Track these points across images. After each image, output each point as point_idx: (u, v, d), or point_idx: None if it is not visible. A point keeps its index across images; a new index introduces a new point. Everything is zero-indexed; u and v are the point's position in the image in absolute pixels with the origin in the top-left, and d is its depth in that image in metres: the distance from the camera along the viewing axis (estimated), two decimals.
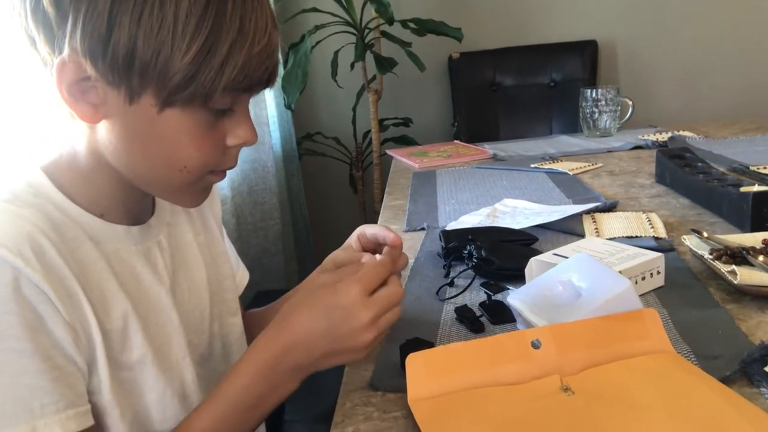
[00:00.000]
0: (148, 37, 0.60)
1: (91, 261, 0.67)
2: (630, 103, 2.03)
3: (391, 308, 0.71)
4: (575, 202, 1.32)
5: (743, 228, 1.07)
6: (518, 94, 2.73)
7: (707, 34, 2.78)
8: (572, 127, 2.45)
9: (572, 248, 0.94)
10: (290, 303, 0.72)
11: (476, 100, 2.75)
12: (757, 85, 2.80)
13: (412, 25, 2.45)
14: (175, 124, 0.65)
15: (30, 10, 0.62)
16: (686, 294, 0.86)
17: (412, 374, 0.67)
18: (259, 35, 0.64)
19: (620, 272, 0.80)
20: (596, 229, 1.13)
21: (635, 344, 0.70)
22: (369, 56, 2.49)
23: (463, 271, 0.99)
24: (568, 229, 1.15)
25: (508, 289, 0.89)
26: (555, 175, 1.60)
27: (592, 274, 0.77)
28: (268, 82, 0.68)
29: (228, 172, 0.74)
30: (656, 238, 1.06)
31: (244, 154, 2.26)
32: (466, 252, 0.99)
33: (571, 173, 1.60)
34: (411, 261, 1.07)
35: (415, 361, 0.67)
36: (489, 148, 1.97)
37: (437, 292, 0.93)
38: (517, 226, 1.14)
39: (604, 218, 1.18)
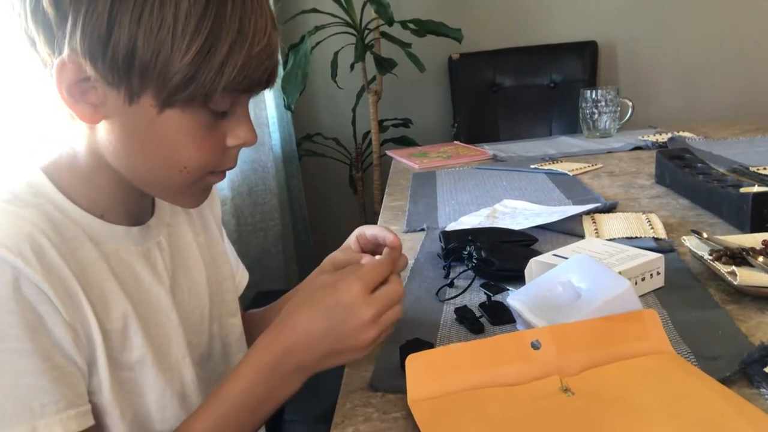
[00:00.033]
0: (147, 37, 0.60)
1: (91, 261, 0.67)
2: (630, 103, 2.03)
3: (393, 306, 0.71)
4: (575, 203, 1.32)
5: (743, 229, 1.07)
6: (518, 94, 2.73)
7: (707, 34, 2.78)
8: (572, 127, 2.45)
9: (572, 249, 0.94)
10: (290, 304, 0.72)
11: (476, 100, 2.75)
12: (757, 85, 2.80)
13: (411, 25, 2.45)
14: (174, 124, 0.65)
15: (30, 11, 0.62)
16: (686, 295, 0.86)
17: (411, 375, 0.67)
18: (258, 36, 0.64)
19: (620, 273, 0.80)
20: (596, 229, 1.13)
21: (635, 345, 0.70)
22: (369, 57, 2.49)
23: (463, 271, 0.99)
24: (568, 230, 1.15)
25: (508, 289, 0.89)
26: (555, 176, 1.60)
27: (592, 275, 0.77)
28: (267, 83, 0.69)
29: (228, 172, 0.74)
30: (656, 239, 1.06)
31: (244, 154, 2.27)
32: (465, 253, 0.99)
33: (570, 174, 1.60)
34: (411, 262, 1.07)
35: (414, 362, 0.67)
36: (489, 149, 1.97)
37: (437, 293, 0.93)
38: (516, 227, 1.14)
39: (603, 219, 1.18)
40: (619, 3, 2.79)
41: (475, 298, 0.91)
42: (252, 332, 0.92)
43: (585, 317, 0.71)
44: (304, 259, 2.64)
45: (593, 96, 2.00)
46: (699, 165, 1.39)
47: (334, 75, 2.49)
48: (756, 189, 1.11)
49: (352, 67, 2.55)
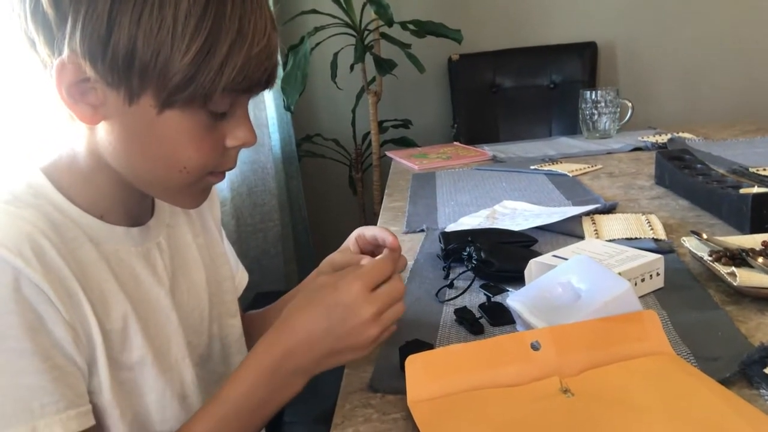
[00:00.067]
0: (147, 37, 0.60)
1: (91, 261, 0.67)
2: (629, 104, 2.03)
3: (394, 303, 0.71)
4: (575, 204, 1.32)
5: (743, 230, 1.07)
6: (518, 95, 2.73)
7: (707, 35, 2.78)
8: (572, 128, 2.45)
9: (572, 250, 0.94)
10: (290, 306, 0.72)
11: (476, 101, 2.75)
12: (757, 85, 2.80)
13: (411, 26, 2.45)
14: (174, 125, 0.65)
15: (30, 12, 0.63)
16: (686, 296, 0.86)
17: (411, 376, 0.66)
18: (258, 36, 0.64)
19: (620, 274, 0.80)
20: (596, 230, 1.13)
21: (635, 346, 0.70)
22: (368, 58, 2.49)
23: (463, 272, 0.99)
24: (568, 231, 1.15)
25: (508, 290, 0.89)
26: (554, 177, 1.60)
27: (592, 276, 0.77)
28: (267, 84, 0.69)
29: (227, 173, 0.74)
30: (656, 240, 1.06)
31: (244, 155, 2.27)
32: (465, 254, 0.99)
33: (570, 175, 1.60)
34: (410, 263, 1.07)
35: (414, 363, 0.67)
36: (488, 150, 1.97)
37: (437, 294, 0.93)
38: (516, 228, 1.14)
39: (603, 220, 1.18)
40: (619, 4, 2.79)
41: (474, 299, 0.91)
42: (252, 333, 0.93)
43: (585, 318, 0.71)
44: (303, 260, 2.64)
45: (593, 97, 2.00)
46: (698, 166, 1.39)
47: (333, 76, 2.49)
48: (755, 190, 1.11)
49: (351, 68, 2.55)
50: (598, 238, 1.09)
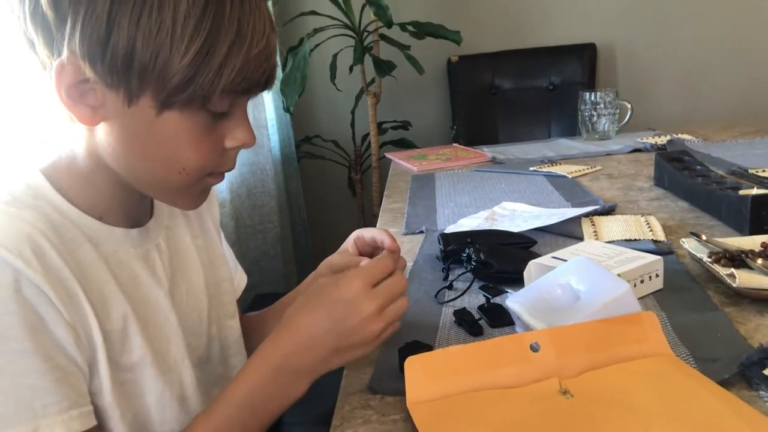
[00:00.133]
0: (146, 39, 0.60)
1: (91, 262, 0.67)
2: (629, 106, 2.03)
3: (396, 298, 0.70)
4: (574, 205, 1.32)
5: (742, 231, 1.07)
6: (517, 97, 2.74)
7: (706, 35, 2.78)
8: (571, 130, 2.45)
9: (571, 251, 0.94)
10: (292, 307, 0.72)
11: (475, 103, 2.75)
12: (757, 85, 2.80)
13: (410, 28, 2.45)
14: (173, 126, 0.65)
15: (29, 13, 0.63)
16: (685, 297, 0.86)
17: (410, 377, 0.66)
18: (257, 38, 0.64)
19: (619, 275, 0.80)
20: (595, 232, 1.13)
21: (634, 347, 0.70)
22: (368, 59, 2.49)
23: (462, 274, 0.99)
24: (567, 232, 1.15)
25: (507, 292, 0.89)
26: (554, 179, 1.60)
27: (591, 277, 0.77)
28: (266, 85, 0.69)
29: (227, 174, 0.74)
30: (655, 241, 1.06)
31: (243, 157, 2.27)
32: (464, 255, 0.99)
33: (569, 176, 1.60)
34: (410, 264, 1.07)
35: (413, 364, 0.67)
36: (488, 152, 1.97)
37: (436, 295, 0.93)
38: (515, 229, 1.14)
39: (602, 221, 1.18)
40: (618, 5, 2.79)
41: (474, 300, 0.91)
42: (251, 335, 0.92)
43: (584, 319, 0.71)
44: (302, 261, 2.64)
45: (592, 98, 2.00)
46: (698, 167, 1.39)
47: (333, 77, 2.50)
48: (755, 191, 1.11)
49: (350, 69, 2.55)
50: (597, 239, 1.09)
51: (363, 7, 2.46)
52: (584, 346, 0.69)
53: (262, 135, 2.35)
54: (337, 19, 2.49)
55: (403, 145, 2.66)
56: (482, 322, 0.84)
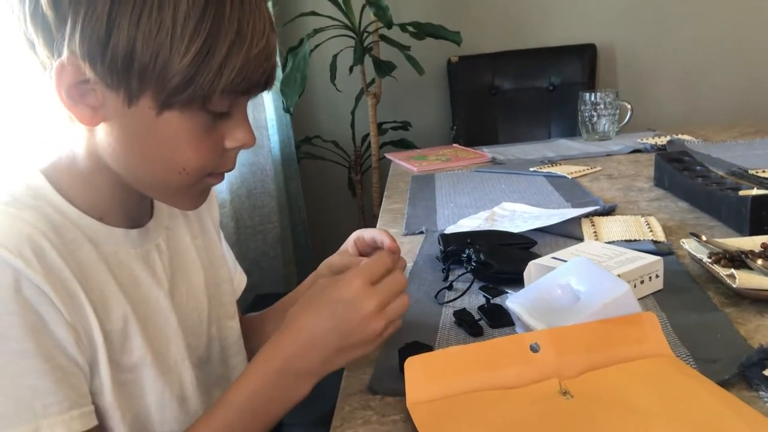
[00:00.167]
0: (146, 39, 0.60)
1: (91, 262, 0.67)
2: (629, 106, 2.03)
3: (396, 296, 0.70)
4: (574, 206, 1.32)
5: (742, 231, 1.07)
6: (517, 97, 2.74)
7: (707, 35, 2.78)
8: (571, 130, 2.45)
9: (571, 252, 0.94)
10: (293, 309, 0.72)
11: (475, 103, 2.75)
12: (757, 85, 2.80)
13: (410, 28, 2.45)
14: (173, 126, 0.65)
15: (29, 14, 0.63)
16: (685, 297, 0.86)
17: (410, 378, 0.66)
18: (257, 38, 0.64)
19: (619, 276, 0.80)
20: (595, 232, 1.13)
21: (634, 348, 0.70)
22: (368, 60, 2.49)
23: (462, 274, 0.99)
24: (567, 233, 1.15)
25: (507, 292, 0.89)
26: (554, 179, 1.60)
27: (591, 278, 0.77)
28: (266, 85, 0.69)
29: (227, 175, 0.74)
30: (655, 242, 1.06)
31: (243, 157, 2.27)
32: (464, 255, 0.99)
33: (569, 177, 1.60)
34: (410, 264, 1.07)
35: (413, 365, 0.67)
36: (488, 152, 1.97)
37: (436, 296, 0.93)
38: (515, 230, 1.14)
39: (602, 222, 1.18)
40: (618, 6, 2.79)
41: (474, 300, 0.91)
42: (251, 336, 0.92)
43: (584, 320, 0.71)
44: (302, 262, 2.64)
45: (592, 99, 2.00)
46: (698, 168, 1.39)
47: (333, 78, 2.50)
48: (755, 192, 1.11)
49: (351, 69, 2.55)
50: (597, 240, 1.09)
51: (363, 7, 2.47)
52: (584, 347, 0.69)
53: (262, 135, 2.35)
54: (337, 20, 2.49)
55: (403, 145, 2.66)
56: (482, 323, 0.84)
